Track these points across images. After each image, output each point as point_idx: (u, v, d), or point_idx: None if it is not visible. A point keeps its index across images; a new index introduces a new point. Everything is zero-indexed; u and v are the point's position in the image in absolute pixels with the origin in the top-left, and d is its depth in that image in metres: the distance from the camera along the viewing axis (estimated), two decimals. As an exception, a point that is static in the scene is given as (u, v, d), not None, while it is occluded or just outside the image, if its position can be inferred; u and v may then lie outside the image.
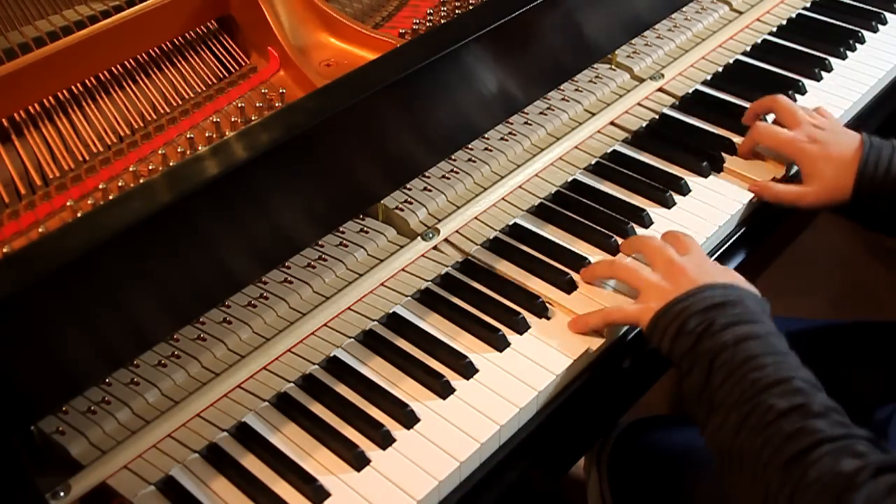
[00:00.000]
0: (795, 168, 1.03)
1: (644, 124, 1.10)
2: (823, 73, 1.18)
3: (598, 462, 1.07)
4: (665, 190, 1.00)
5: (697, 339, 0.76)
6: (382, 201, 0.95)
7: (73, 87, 0.90)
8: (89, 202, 0.82)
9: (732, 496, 0.73)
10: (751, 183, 1.01)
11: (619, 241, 0.94)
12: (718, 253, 0.97)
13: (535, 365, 0.82)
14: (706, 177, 1.02)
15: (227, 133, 0.89)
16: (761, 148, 1.04)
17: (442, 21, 1.07)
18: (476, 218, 0.98)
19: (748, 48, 1.23)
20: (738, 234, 1.00)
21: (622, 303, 0.87)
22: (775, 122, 1.04)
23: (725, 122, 1.10)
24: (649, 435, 1.05)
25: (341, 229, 0.94)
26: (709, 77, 1.18)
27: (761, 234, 1.02)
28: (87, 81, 0.91)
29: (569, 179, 1.03)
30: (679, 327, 0.77)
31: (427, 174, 1.00)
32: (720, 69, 1.19)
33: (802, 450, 0.67)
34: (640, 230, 0.96)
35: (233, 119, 0.90)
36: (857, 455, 0.66)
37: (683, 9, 1.25)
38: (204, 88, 0.95)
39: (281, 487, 0.74)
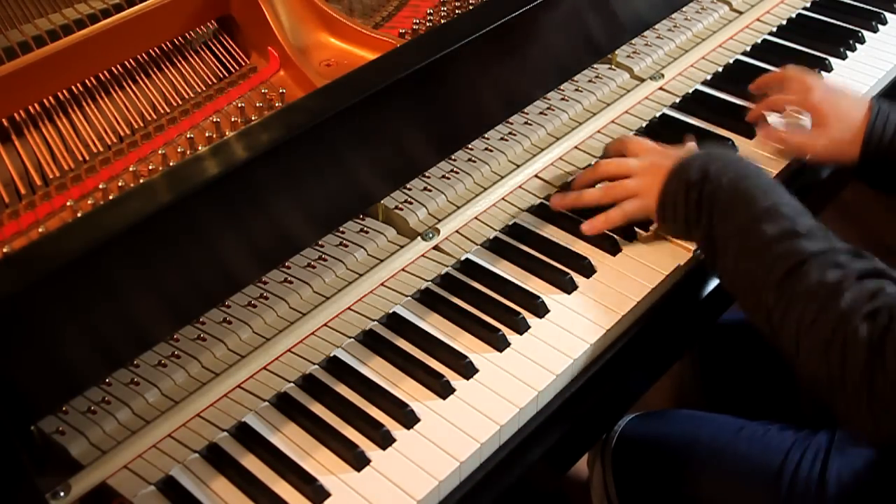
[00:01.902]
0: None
1: (644, 124, 1.10)
2: (823, 73, 1.18)
3: (601, 457, 1.07)
4: (665, 190, 0.99)
5: (700, 188, 0.84)
6: (382, 201, 0.95)
7: (73, 87, 0.90)
8: (89, 202, 0.82)
9: (749, 318, 0.81)
10: (761, 132, 1.06)
11: (620, 241, 0.94)
12: (718, 253, 0.97)
13: (535, 365, 0.82)
14: (706, 177, 1.02)
15: (227, 133, 0.89)
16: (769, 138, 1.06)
17: (442, 21, 1.07)
18: (476, 218, 0.97)
19: (748, 48, 1.23)
20: (738, 234, 1.00)
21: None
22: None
23: (725, 122, 1.10)
24: (653, 429, 1.05)
25: (341, 229, 0.94)
26: (709, 77, 1.18)
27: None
28: (87, 81, 0.91)
29: (569, 179, 1.03)
30: (685, 185, 0.85)
31: (427, 174, 1.00)
32: (720, 69, 1.19)
33: (790, 268, 0.75)
34: (640, 230, 0.96)
35: (233, 119, 0.90)
36: (839, 266, 0.74)
37: (683, 9, 1.25)
38: (204, 88, 0.95)
39: (281, 487, 0.74)
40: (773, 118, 1.07)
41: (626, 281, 0.90)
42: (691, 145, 0.96)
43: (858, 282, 0.72)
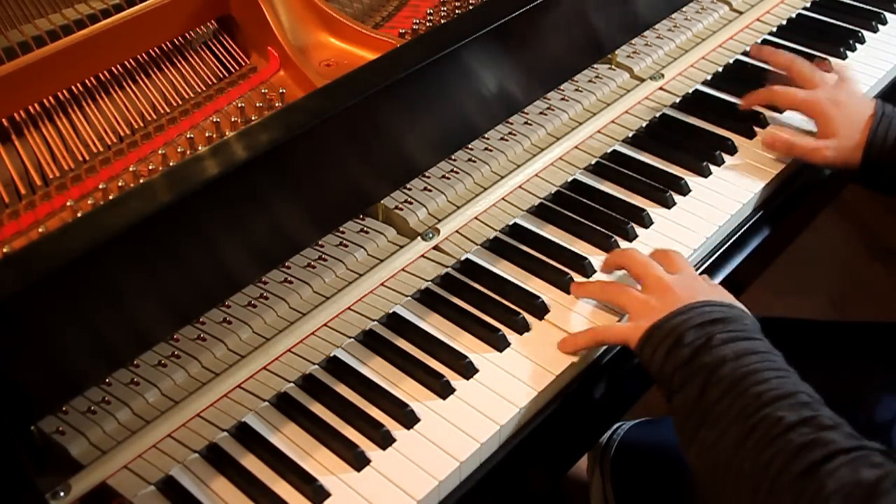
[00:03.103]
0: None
1: (644, 124, 1.10)
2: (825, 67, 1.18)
3: (601, 464, 1.07)
4: (665, 190, 1.00)
5: (694, 354, 0.73)
6: (382, 201, 0.95)
7: (73, 87, 0.90)
8: (89, 202, 0.82)
9: None
10: (765, 138, 1.03)
11: (620, 241, 0.94)
12: (719, 253, 0.97)
13: (536, 365, 0.82)
14: (706, 177, 1.02)
15: (227, 133, 0.89)
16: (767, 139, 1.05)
17: (442, 21, 1.07)
18: (476, 218, 0.97)
19: (748, 48, 1.23)
20: (739, 233, 1.00)
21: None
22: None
23: (725, 122, 1.10)
24: (652, 436, 1.05)
25: (341, 229, 0.94)
26: (709, 77, 1.18)
27: (762, 234, 1.02)
28: (87, 81, 0.91)
29: (569, 179, 1.03)
30: (675, 341, 0.75)
31: (427, 174, 1.00)
32: (720, 69, 1.19)
33: (816, 461, 0.64)
34: (640, 230, 0.96)
35: (233, 119, 0.90)
36: (874, 465, 0.63)
37: (683, 9, 1.25)
38: (204, 88, 0.95)
39: (281, 487, 0.74)
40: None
41: (625, 282, 0.90)
42: (712, 291, 0.82)
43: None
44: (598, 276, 0.91)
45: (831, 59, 1.20)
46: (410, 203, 0.97)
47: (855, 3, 1.31)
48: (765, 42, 1.24)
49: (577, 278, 0.90)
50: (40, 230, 0.79)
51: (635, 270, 0.85)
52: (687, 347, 0.74)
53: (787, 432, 0.66)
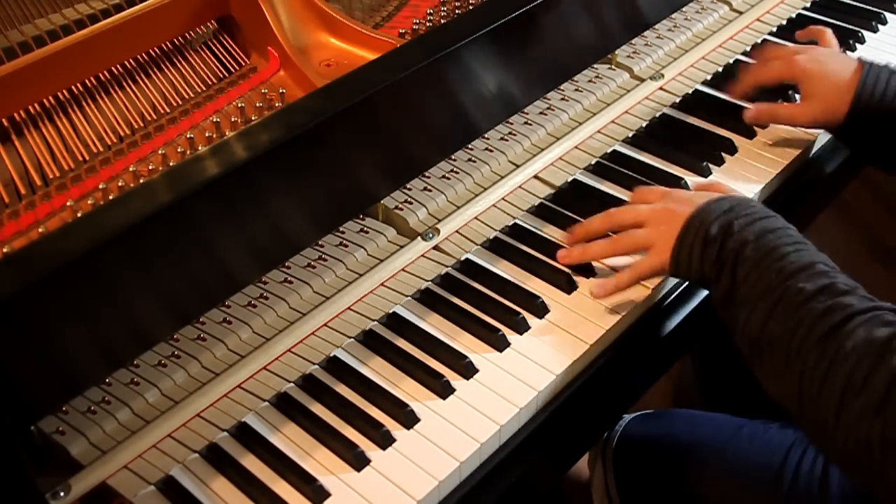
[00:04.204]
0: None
1: (644, 124, 1.10)
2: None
3: (602, 456, 1.07)
4: (665, 190, 1.00)
5: (722, 244, 0.78)
6: (382, 201, 0.95)
7: (73, 87, 0.90)
8: (89, 202, 0.82)
9: (765, 386, 0.75)
10: (747, 113, 1.05)
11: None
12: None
13: (535, 365, 0.82)
14: (706, 177, 1.02)
15: (227, 133, 0.89)
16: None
17: (442, 21, 1.07)
18: (476, 218, 0.97)
19: (748, 48, 1.23)
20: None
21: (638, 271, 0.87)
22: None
23: (725, 122, 1.10)
24: (654, 429, 1.05)
25: (341, 229, 0.94)
26: (709, 77, 1.18)
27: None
28: (87, 81, 0.91)
29: (569, 179, 1.03)
30: (704, 239, 0.79)
31: (427, 174, 1.00)
32: (720, 69, 1.19)
33: (835, 324, 0.69)
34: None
35: (233, 119, 0.90)
36: (887, 324, 0.68)
37: (683, 9, 1.25)
38: (204, 88, 0.95)
39: (281, 487, 0.74)
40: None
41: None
42: (709, 191, 0.88)
43: None
44: (601, 276, 0.91)
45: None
46: (410, 203, 0.97)
47: (855, 3, 1.31)
48: (765, 42, 1.24)
49: (577, 278, 0.90)
50: (40, 230, 0.79)
51: (628, 218, 0.89)
52: (714, 242, 0.79)
53: (808, 301, 0.71)
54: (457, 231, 0.96)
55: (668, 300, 0.92)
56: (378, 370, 0.82)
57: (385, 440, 0.76)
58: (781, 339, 0.72)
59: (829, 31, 1.11)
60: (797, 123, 1.03)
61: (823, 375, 0.68)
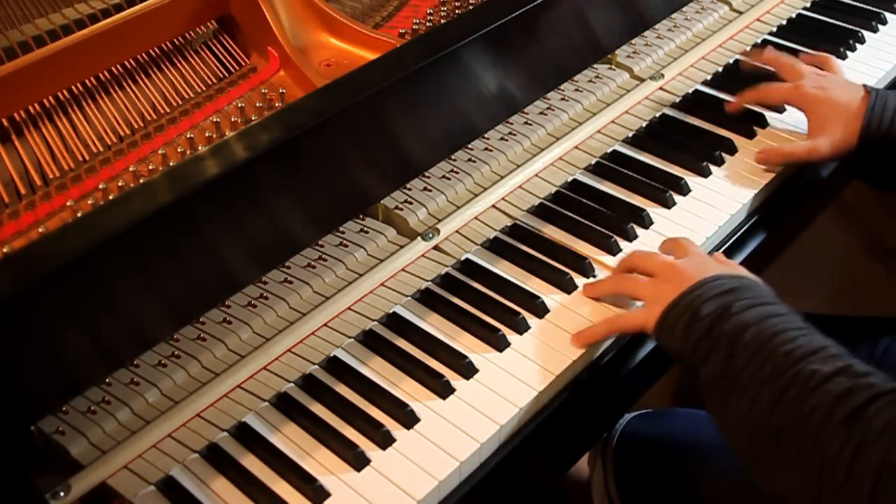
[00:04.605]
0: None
1: (644, 124, 1.10)
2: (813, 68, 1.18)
3: (602, 455, 1.07)
4: (665, 190, 1.00)
5: (714, 323, 0.73)
6: (382, 201, 0.95)
7: (73, 87, 0.90)
8: (89, 202, 0.82)
9: (769, 483, 0.69)
10: (757, 155, 1.03)
11: (620, 241, 0.94)
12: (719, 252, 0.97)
13: (536, 365, 0.82)
14: (706, 177, 1.02)
15: (227, 133, 0.89)
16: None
17: (442, 21, 1.07)
18: (476, 218, 0.97)
19: (748, 48, 1.23)
20: (739, 233, 1.00)
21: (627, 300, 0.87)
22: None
23: (725, 122, 1.10)
24: (654, 428, 1.05)
25: (341, 229, 0.94)
26: (709, 77, 1.18)
27: (762, 234, 1.02)
28: (87, 81, 0.91)
29: (569, 179, 1.03)
30: (692, 316, 0.75)
31: (427, 174, 1.00)
32: (720, 69, 1.19)
33: (859, 405, 0.64)
34: (640, 230, 0.96)
35: (233, 119, 0.90)
36: None
37: (683, 9, 1.25)
38: (204, 88, 0.95)
39: (281, 487, 0.74)
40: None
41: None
42: (722, 264, 0.84)
43: None
44: (602, 276, 0.91)
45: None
46: (410, 203, 0.97)
47: (855, 3, 1.31)
48: (765, 42, 1.24)
49: (577, 278, 0.90)
50: (40, 230, 0.79)
51: (644, 264, 0.85)
52: (705, 320, 0.74)
53: (824, 383, 0.66)
54: (457, 231, 0.96)
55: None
56: (378, 370, 0.82)
57: (385, 440, 0.76)
58: (795, 426, 0.66)
59: (833, 59, 1.09)
60: (816, 157, 1.00)
61: (850, 461, 0.63)
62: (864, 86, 0.99)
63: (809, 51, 1.21)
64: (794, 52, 1.21)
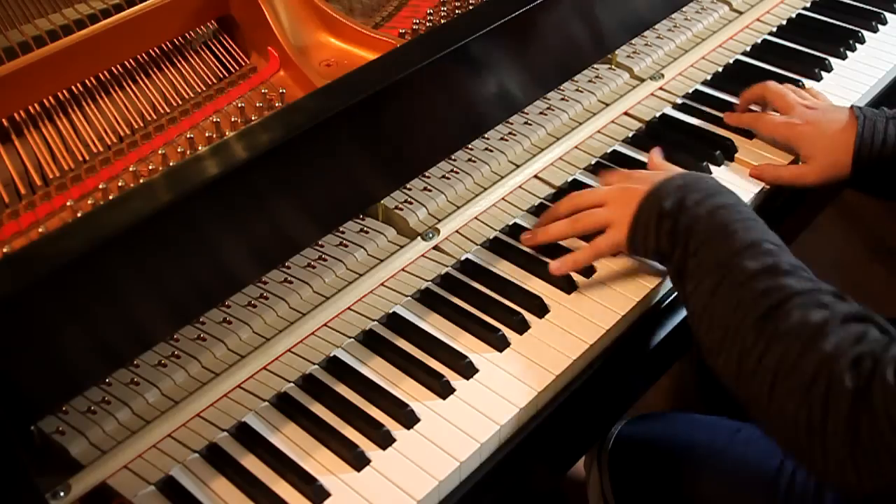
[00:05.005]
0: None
1: (644, 124, 1.10)
2: (823, 74, 1.18)
3: (598, 459, 1.07)
4: (665, 190, 0.99)
5: (676, 218, 0.80)
6: (382, 201, 0.95)
7: (73, 87, 0.90)
8: (89, 202, 0.82)
9: (705, 357, 0.76)
10: (752, 171, 1.03)
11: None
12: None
13: (536, 365, 0.82)
14: (706, 177, 1.02)
15: (227, 133, 0.89)
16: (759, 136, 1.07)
17: (442, 21, 1.07)
18: (476, 218, 0.97)
19: (748, 48, 1.23)
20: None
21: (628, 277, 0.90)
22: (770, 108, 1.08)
23: (725, 123, 1.10)
24: (650, 431, 1.05)
25: (341, 229, 0.94)
26: (709, 77, 1.18)
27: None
28: (87, 81, 0.91)
29: (569, 179, 1.03)
30: (658, 214, 0.82)
31: (427, 174, 1.00)
32: (720, 69, 1.19)
33: (773, 305, 0.71)
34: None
35: (233, 119, 0.90)
36: (824, 306, 0.70)
37: (683, 9, 1.25)
38: (204, 88, 0.95)
39: (281, 487, 0.74)
40: None
41: (626, 282, 0.90)
42: (666, 170, 0.92)
43: (843, 324, 0.68)
44: (602, 275, 0.91)
45: (831, 58, 1.20)
46: (410, 203, 0.97)
47: (855, 3, 1.31)
48: (764, 42, 1.24)
49: (577, 278, 0.90)
50: (40, 230, 0.79)
51: (588, 198, 0.91)
52: (667, 217, 0.81)
53: (750, 280, 0.73)
54: (457, 231, 0.96)
55: (666, 302, 0.92)
56: (378, 370, 0.82)
57: (385, 440, 0.76)
58: (723, 317, 0.74)
59: (768, 85, 1.07)
60: (801, 186, 1.01)
61: (759, 355, 0.70)
62: (852, 109, 0.99)
63: (809, 51, 1.22)
64: (794, 52, 1.22)
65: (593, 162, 1.05)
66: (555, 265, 0.89)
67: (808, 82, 1.16)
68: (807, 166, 1.01)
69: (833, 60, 1.20)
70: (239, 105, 0.92)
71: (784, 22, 1.28)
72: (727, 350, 0.73)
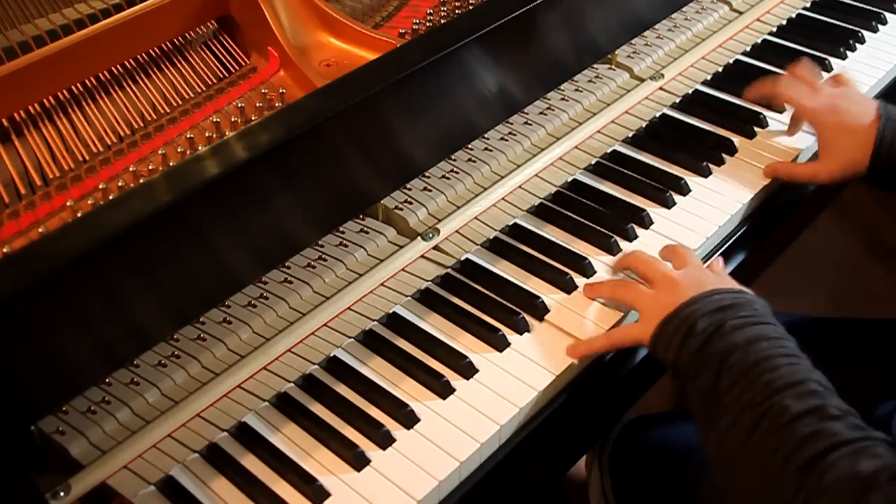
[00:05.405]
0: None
1: (644, 124, 1.10)
2: (823, 74, 1.18)
3: (599, 459, 1.07)
4: (665, 190, 1.00)
5: (707, 341, 0.74)
6: (382, 201, 0.95)
7: (73, 87, 0.90)
8: (89, 202, 0.82)
9: (737, 501, 0.70)
10: (766, 168, 1.02)
11: (620, 241, 0.94)
12: (718, 253, 0.97)
13: (535, 365, 0.82)
14: (706, 177, 1.02)
15: (227, 133, 0.89)
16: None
17: (442, 21, 1.07)
18: (476, 218, 0.97)
19: (748, 48, 1.23)
20: (739, 233, 1.00)
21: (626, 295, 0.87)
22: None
23: (725, 122, 1.10)
24: (651, 432, 1.05)
25: (341, 229, 0.94)
26: (709, 77, 1.18)
27: (762, 234, 1.02)
28: (87, 81, 0.91)
29: (569, 179, 1.03)
30: (687, 331, 0.75)
31: (427, 174, 1.00)
32: (720, 69, 1.19)
33: (819, 453, 0.65)
34: (640, 230, 0.96)
35: (233, 119, 0.90)
36: (875, 457, 0.64)
37: (683, 9, 1.25)
38: (204, 88, 0.95)
39: (281, 487, 0.74)
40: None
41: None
42: (718, 274, 0.86)
43: (894, 481, 0.62)
44: (602, 276, 0.91)
45: (831, 59, 1.20)
46: (410, 203, 0.97)
47: (855, 3, 1.31)
48: (765, 42, 1.24)
49: (577, 278, 0.90)
50: (40, 230, 0.79)
51: (642, 270, 0.86)
52: (699, 336, 0.74)
53: (793, 422, 0.67)
54: (457, 231, 0.96)
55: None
56: (378, 370, 0.82)
57: (385, 440, 0.76)
58: (761, 460, 0.67)
59: (797, 69, 1.06)
60: (818, 182, 1.00)
61: None
62: (878, 106, 0.97)
63: (809, 51, 1.22)
64: (794, 52, 1.22)
65: (593, 162, 1.05)
66: (570, 350, 0.83)
67: (808, 82, 1.16)
68: (823, 164, 0.99)
69: (833, 60, 1.20)
70: (239, 105, 0.92)
71: (784, 22, 1.28)
72: (763, 497, 0.67)
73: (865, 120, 0.96)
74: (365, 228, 0.95)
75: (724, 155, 1.05)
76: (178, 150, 0.88)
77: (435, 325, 0.86)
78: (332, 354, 0.84)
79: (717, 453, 0.72)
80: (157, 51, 0.96)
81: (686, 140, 1.08)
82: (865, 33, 1.25)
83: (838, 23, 1.27)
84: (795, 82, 1.04)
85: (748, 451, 0.68)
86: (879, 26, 1.27)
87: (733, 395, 0.71)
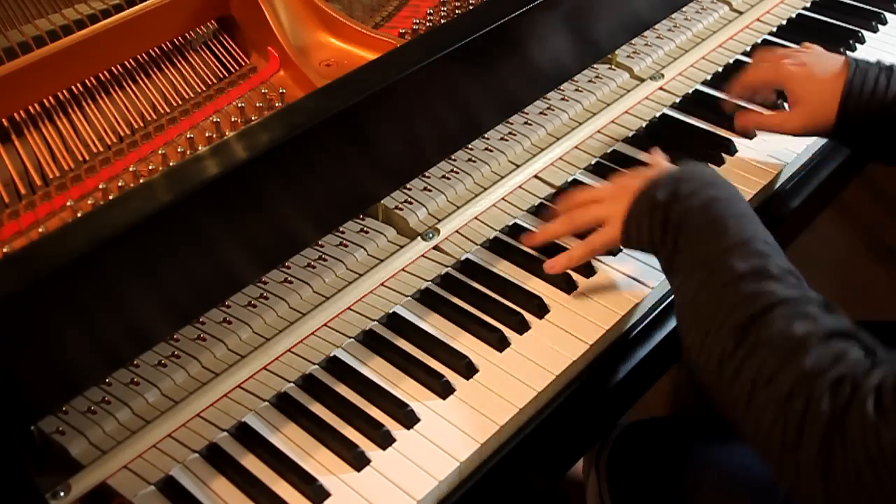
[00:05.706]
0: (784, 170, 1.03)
1: (644, 124, 1.10)
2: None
3: (597, 463, 1.07)
4: (665, 190, 0.99)
5: (668, 209, 0.78)
6: (382, 201, 0.95)
7: (73, 87, 0.90)
8: (89, 202, 0.82)
9: (688, 359, 0.74)
10: (735, 121, 1.04)
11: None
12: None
13: (535, 365, 0.82)
14: (706, 177, 1.02)
15: (227, 133, 0.89)
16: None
17: (442, 21, 1.07)
18: (476, 218, 0.97)
19: (748, 48, 1.23)
20: (738, 234, 0.99)
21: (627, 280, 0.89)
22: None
23: (725, 123, 1.10)
24: (649, 436, 1.05)
25: (341, 229, 0.94)
26: (709, 77, 1.18)
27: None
28: (87, 81, 0.91)
29: (569, 179, 1.03)
30: (650, 204, 0.79)
31: (427, 174, 1.00)
32: (720, 69, 1.19)
33: (756, 313, 0.68)
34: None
35: (233, 119, 0.90)
36: (808, 318, 0.67)
37: (683, 9, 1.25)
38: (204, 88, 0.95)
39: (281, 487, 0.74)
40: None
41: (626, 283, 0.90)
42: (664, 165, 0.90)
43: (825, 340, 0.65)
44: (602, 276, 0.91)
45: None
46: (410, 203, 0.97)
47: (855, 3, 1.31)
48: (765, 42, 1.24)
49: (578, 278, 0.90)
50: (40, 230, 0.79)
51: (585, 196, 0.90)
52: (659, 208, 0.79)
53: (736, 282, 0.70)
54: (457, 231, 0.96)
55: (666, 303, 0.91)
56: (378, 370, 0.82)
57: (385, 440, 0.76)
58: (705, 317, 0.71)
59: (767, 50, 1.07)
60: (785, 132, 1.00)
61: (739, 363, 0.67)
62: (846, 58, 0.96)
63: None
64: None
65: (593, 162, 1.05)
66: (549, 263, 0.89)
67: (808, 82, 1.16)
68: (792, 112, 0.99)
69: (833, 60, 1.20)
70: (239, 105, 0.92)
71: (784, 22, 1.28)
72: (707, 352, 0.70)
73: (833, 70, 0.96)
74: (365, 228, 0.95)
75: (723, 155, 1.05)
76: (178, 150, 0.88)
77: (435, 325, 0.86)
78: (332, 354, 0.84)
79: (676, 310, 0.77)
80: (156, 51, 0.96)
81: (686, 140, 1.08)
82: (865, 33, 1.25)
83: (838, 23, 1.27)
84: (763, 63, 1.04)
85: (697, 306, 0.73)
86: (879, 26, 1.27)
87: (689, 255, 0.76)
